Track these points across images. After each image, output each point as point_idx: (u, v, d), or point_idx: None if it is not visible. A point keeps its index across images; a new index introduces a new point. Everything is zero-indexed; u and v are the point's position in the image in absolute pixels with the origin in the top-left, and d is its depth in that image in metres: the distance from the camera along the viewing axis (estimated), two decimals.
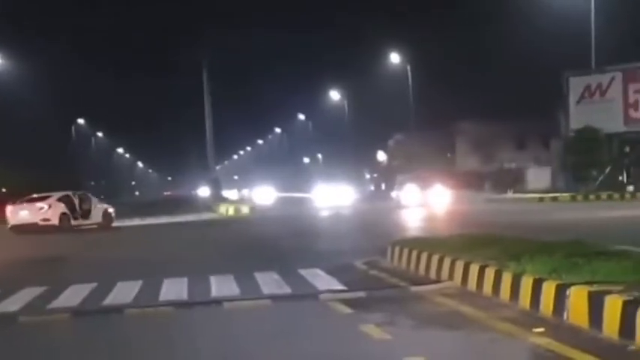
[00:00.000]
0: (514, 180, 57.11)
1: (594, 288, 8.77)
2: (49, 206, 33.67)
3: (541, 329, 8.61)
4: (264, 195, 73.70)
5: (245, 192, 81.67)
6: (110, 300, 12.58)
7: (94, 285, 14.05)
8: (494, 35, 64.70)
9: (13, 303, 12.70)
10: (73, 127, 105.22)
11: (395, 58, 66.65)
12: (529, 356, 7.62)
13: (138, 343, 9.45)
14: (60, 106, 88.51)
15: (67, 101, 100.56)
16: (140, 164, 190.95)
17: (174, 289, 13.28)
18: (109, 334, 10.09)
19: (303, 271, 14.54)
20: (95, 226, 35.11)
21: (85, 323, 11.08)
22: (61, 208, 33.84)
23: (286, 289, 12.73)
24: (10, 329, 10.81)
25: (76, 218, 34.32)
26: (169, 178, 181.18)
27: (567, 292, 9.01)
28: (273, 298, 11.91)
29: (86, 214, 35.02)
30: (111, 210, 37.02)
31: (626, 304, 7.98)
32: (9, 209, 34.05)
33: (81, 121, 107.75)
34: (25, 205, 34.02)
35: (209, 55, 61.94)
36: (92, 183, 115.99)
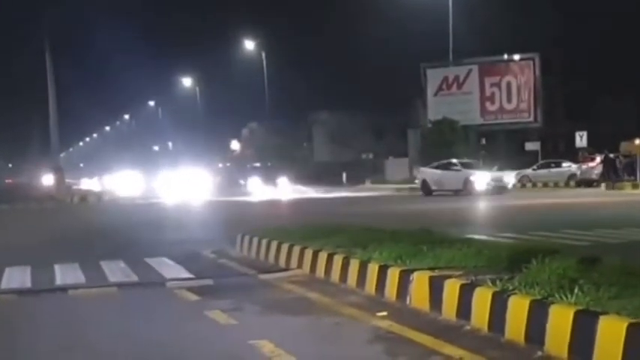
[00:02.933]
0: (372, 171, 58.53)
1: (435, 273, 9.47)
2: None
3: (384, 313, 9.23)
4: (129, 183, 70.09)
5: (106, 180, 77.58)
6: None
7: None
8: (355, 26, 65.94)
9: None
10: None
11: (249, 45, 67.00)
12: (370, 338, 8.17)
13: None
14: None
15: None
16: None
17: (16, 277, 13.24)
18: None
19: (150, 260, 14.77)
20: None
21: None
22: None
23: (133, 277, 12.96)
24: None
25: None
26: (10, 165, 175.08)
27: (410, 278, 9.69)
28: (119, 285, 12.12)
29: None
30: None
31: (463, 287, 8.69)
32: None
33: None
34: None
35: (52, 36, 60.30)
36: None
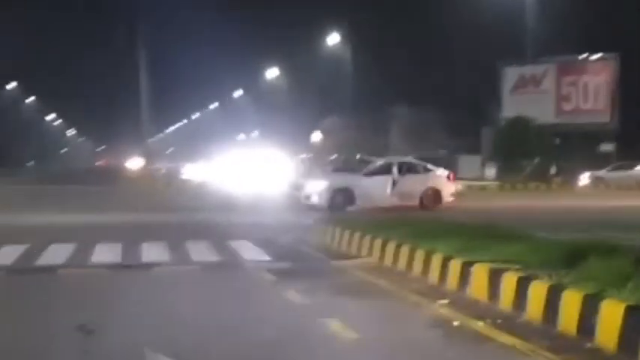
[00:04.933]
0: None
1: (495, 266, 9.76)
2: None
3: (445, 301, 9.58)
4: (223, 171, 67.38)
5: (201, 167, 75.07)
6: (43, 260, 13.21)
7: (26, 246, 14.61)
8: (435, 23, 65.63)
9: None
10: None
11: (334, 38, 67.32)
12: (430, 322, 8.53)
13: (68, 301, 10.02)
14: None
15: None
16: (71, 132, 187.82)
17: (107, 252, 13.94)
18: (42, 292, 10.65)
19: (232, 242, 15.35)
20: None
21: (18, 280, 11.66)
22: None
23: (215, 258, 13.56)
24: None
25: None
26: (102, 147, 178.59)
27: (471, 269, 10.01)
28: (202, 264, 12.72)
29: None
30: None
31: (520, 280, 8.97)
32: None
33: (12, 85, 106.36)
34: None
35: (144, 26, 61.59)
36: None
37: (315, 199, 25.23)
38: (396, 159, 27.92)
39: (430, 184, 26.12)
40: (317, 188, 25.61)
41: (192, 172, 67.23)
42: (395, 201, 25.42)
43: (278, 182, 47.04)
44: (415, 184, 25.90)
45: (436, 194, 25.95)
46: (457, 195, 26.97)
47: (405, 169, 26.54)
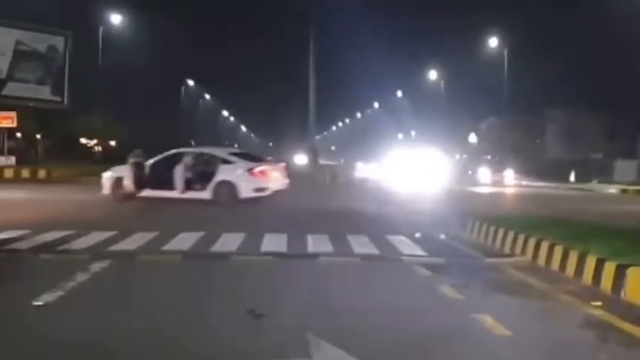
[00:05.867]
0: (600, 171, 56.18)
1: None
2: None
3: (599, 303, 9.22)
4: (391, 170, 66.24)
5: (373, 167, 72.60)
6: (217, 247, 13.67)
7: (201, 234, 15.16)
8: (590, 24, 63.37)
9: (131, 243, 13.91)
10: (182, 88, 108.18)
11: (493, 41, 66.22)
12: (582, 323, 8.24)
13: (240, 285, 10.36)
14: (170, 68, 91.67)
15: (176, 63, 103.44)
16: (243, 128, 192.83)
17: (274, 242, 14.28)
18: (216, 275, 11.02)
19: (390, 237, 15.37)
20: None
21: (194, 265, 12.08)
22: None
23: (374, 251, 13.62)
24: (130, 265, 11.92)
25: None
26: (271, 144, 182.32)
27: (626, 272, 9.60)
28: (363, 257, 12.83)
29: None
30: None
31: None
32: None
33: (190, 82, 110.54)
34: None
35: (315, 25, 62.14)
36: (192, 143, 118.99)
37: (103, 189, 24.99)
38: (190, 150, 25.95)
39: (222, 177, 23.94)
40: (106, 177, 25.15)
41: (364, 169, 66.96)
42: (181, 193, 23.94)
43: (437, 180, 46.85)
44: (206, 177, 24.07)
45: (229, 188, 23.79)
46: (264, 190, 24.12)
47: (198, 161, 24.91)
